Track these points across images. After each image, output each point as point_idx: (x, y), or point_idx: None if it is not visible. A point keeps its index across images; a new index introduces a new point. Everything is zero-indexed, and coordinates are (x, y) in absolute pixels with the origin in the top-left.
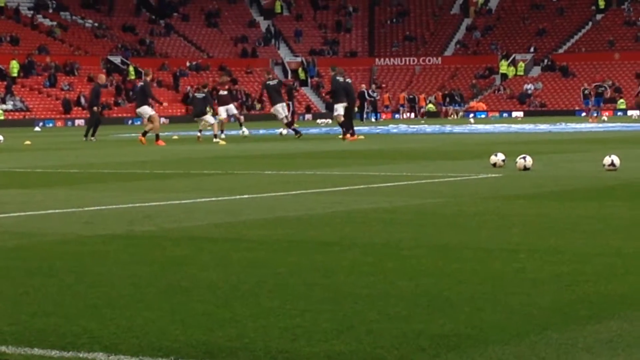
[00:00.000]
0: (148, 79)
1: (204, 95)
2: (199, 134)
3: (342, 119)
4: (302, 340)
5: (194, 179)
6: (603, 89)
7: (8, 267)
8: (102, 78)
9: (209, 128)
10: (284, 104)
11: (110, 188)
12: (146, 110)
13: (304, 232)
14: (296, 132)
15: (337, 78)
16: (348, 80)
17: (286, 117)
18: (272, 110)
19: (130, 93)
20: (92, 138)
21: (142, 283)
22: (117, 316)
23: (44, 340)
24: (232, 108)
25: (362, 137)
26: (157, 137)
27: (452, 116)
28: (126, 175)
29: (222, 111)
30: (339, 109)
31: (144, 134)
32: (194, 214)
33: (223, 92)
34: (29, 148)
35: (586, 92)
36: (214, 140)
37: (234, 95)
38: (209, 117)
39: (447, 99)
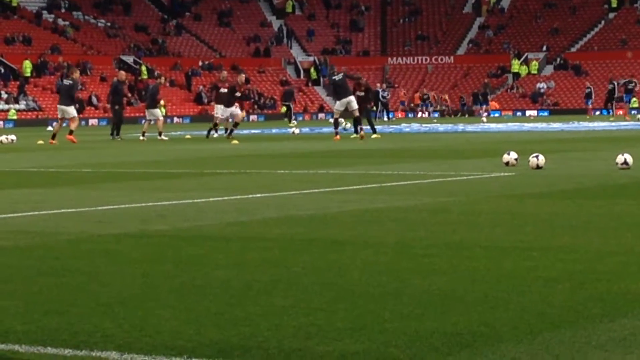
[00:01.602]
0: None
1: (155, 86)
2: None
3: (338, 116)
4: (315, 339)
5: (206, 178)
6: (633, 84)
7: (21, 266)
8: (121, 75)
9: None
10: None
11: (123, 187)
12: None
13: (317, 231)
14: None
15: (334, 77)
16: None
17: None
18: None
19: (143, 93)
20: (118, 137)
21: (155, 282)
22: (130, 315)
23: (57, 339)
24: (228, 109)
25: (378, 135)
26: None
27: (483, 114)
28: (139, 175)
29: (219, 110)
30: (339, 106)
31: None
32: (207, 213)
33: (223, 90)
34: (42, 148)
35: (587, 91)
36: (159, 137)
37: (234, 95)
38: (157, 111)
39: (480, 98)
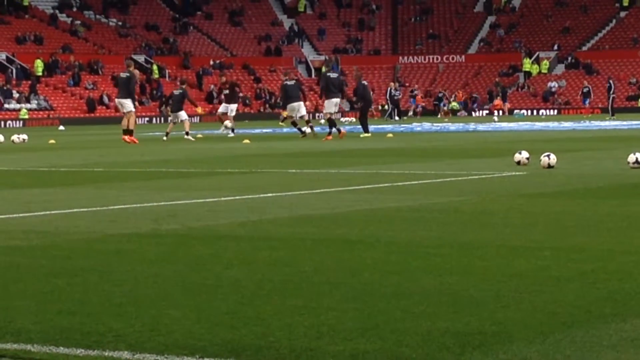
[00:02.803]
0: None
1: (181, 91)
2: (166, 135)
3: (329, 116)
4: (326, 338)
5: (218, 177)
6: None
7: (33, 265)
8: (135, 73)
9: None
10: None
11: (135, 186)
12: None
13: (328, 231)
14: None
15: (329, 74)
16: (364, 82)
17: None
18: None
19: (155, 92)
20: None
21: (166, 281)
22: (142, 315)
23: (69, 339)
24: (233, 108)
25: (390, 135)
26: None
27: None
28: (150, 174)
29: (222, 108)
30: (329, 106)
31: (126, 132)
32: (219, 212)
33: (226, 92)
34: (54, 147)
35: (585, 90)
36: (185, 137)
37: (236, 96)
38: (182, 114)
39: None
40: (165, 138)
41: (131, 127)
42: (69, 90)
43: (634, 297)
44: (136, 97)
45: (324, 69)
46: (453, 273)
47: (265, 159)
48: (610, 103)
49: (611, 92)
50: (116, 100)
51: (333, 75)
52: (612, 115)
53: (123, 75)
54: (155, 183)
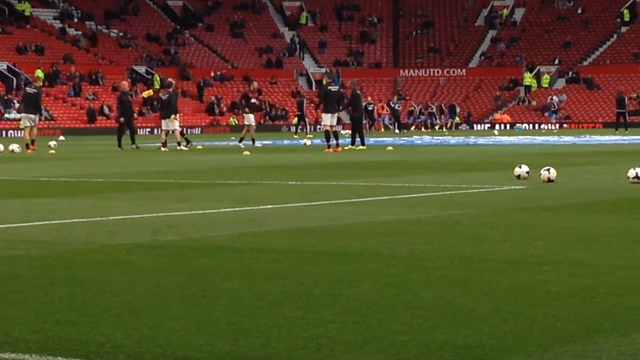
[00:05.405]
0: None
1: (168, 95)
2: (163, 146)
3: (328, 128)
4: (325, 350)
5: (218, 188)
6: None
7: (32, 275)
8: (124, 85)
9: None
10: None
11: (135, 197)
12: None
13: (328, 243)
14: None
15: (329, 87)
16: (358, 92)
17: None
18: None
19: (155, 103)
20: (119, 148)
21: (166, 292)
22: (141, 325)
23: (68, 349)
24: (252, 118)
25: (390, 147)
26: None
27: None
28: (150, 185)
29: (247, 119)
30: (326, 119)
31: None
32: (218, 223)
33: (254, 100)
34: (54, 157)
35: (553, 109)
36: (178, 148)
37: (257, 105)
38: (175, 123)
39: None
40: (164, 149)
41: (34, 137)
42: (69, 101)
43: (633, 311)
44: (134, 108)
45: (325, 81)
46: (452, 286)
47: (265, 171)
48: (617, 118)
49: (622, 106)
50: (27, 115)
51: (333, 88)
52: (616, 130)
53: (31, 90)
54: (154, 194)
